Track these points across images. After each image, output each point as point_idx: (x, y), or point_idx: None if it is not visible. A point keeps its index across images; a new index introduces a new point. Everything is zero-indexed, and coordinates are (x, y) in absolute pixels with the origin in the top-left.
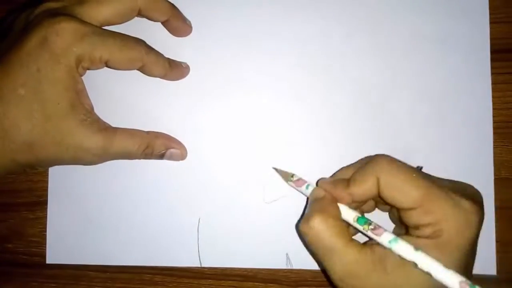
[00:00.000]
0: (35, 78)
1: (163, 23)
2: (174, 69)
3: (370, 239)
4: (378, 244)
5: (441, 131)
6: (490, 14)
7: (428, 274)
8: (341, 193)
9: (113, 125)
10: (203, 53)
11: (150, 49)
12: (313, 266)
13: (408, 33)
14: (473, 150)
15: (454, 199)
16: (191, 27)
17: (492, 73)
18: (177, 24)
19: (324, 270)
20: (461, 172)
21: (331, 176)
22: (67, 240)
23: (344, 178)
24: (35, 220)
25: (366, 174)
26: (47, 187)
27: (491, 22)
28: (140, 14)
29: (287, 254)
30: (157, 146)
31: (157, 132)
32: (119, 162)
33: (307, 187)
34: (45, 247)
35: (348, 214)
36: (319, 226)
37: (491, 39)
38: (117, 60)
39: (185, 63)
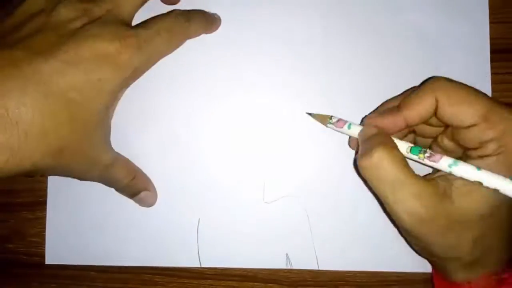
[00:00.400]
0: (94, 87)
1: None
2: (213, 24)
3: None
4: (439, 176)
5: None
6: (490, 14)
7: (495, 190)
8: (393, 120)
9: (113, 124)
10: (202, 53)
11: (189, 19)
12: (313, 266)
13: (408, 33)
14: None
15: None
16: None
17: (491, 73)
18: None
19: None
20: None
21: (375, 110)
22: (66, 240)
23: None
24: (35, 220)
25: (423, 94)
26: (46, 187)
27: (491, 22)
28: None
29: (287, 254)
30: (139, 183)
31: (142, 171)
32: None
33: (349, 127)
34: (45, 247)
35: (401, 146)
36: (382, 158)
37: (490, 39)
38: (168, 53)
39: (217, 15)
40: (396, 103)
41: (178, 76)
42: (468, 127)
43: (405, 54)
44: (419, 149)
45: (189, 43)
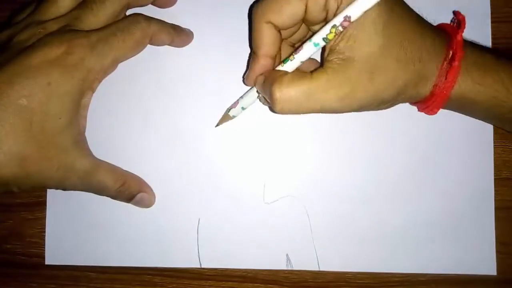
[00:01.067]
0: (44, 91)
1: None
2: (180, 34)
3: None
4: (327, 61)
5: (441, 131)
6: (492, 13)
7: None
8: (261, 66)
9: (114, 126)
10: (203, 53)
11: (149, 20)
12: (314, 267)
13: None
14: (474, 150)
15: None
16: None
17: None
18: None
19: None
20: (461, 172)
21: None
22: (66, 240)
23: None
24: (34, 220)
25: (257, 28)
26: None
27: (492, 22)
28: (129, 7)
29: (287, 255)
30: (131, 186)
31: (132, 173)
32: (119, 162)
33: (242, 109)
34: (44, 247)
35: (281, 67)
36: (281, 91)
37: (492, 38)
38: (127, 53)
39: (188, 29)
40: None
41: (178, 77)
42: (305, 11)
43: None
44: (286, 59)
45: (196, 40)
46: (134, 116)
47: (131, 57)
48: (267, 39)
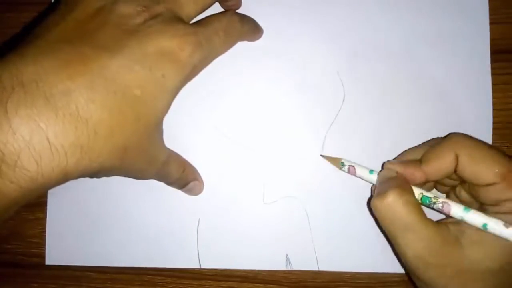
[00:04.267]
0: (157, 83)
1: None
2: (259, 31)
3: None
4: (451, 222)
5: (441, 132)
6: (490, 14)
7: (507, 244)
8: (414, 172)
9: None
10: None
11: (242, 21)
12: (313, 267)
13: (408, 33)
14: None
15: None
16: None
17: (492, 74)
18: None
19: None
20: None
21: (396, 158)
22: (66, 241)
23: (413, 159)
24: (35, 221)
25: (443, 151)
26: None
27: (491, 23)
28: None
29: (287, 255)
30: (188, 174)
31: (188, 161)
32: None
33: (371, 172)
34: (45, 248)
35: (414, 192)
36: (395, 201)
37: (491, 39)
38: (223, 53)
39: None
40: (417, 155)
41: None
42: (487, 185)
43: (405, 54)
44: (429, 198)
45: None
46: None
47: None
48: (443, 165)
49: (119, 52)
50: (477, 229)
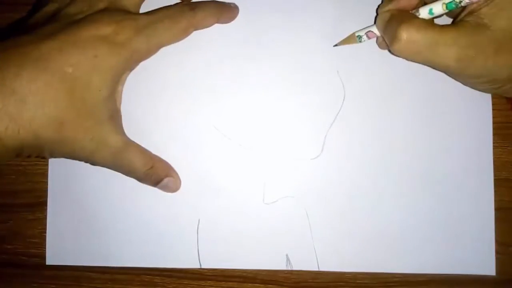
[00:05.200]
0: (89, 62)
1: None
2: (224, 12)
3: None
4: (464, 16)
5: (441, 132)
6: None
7: None
8: (408, 1)
9: None
10: (204, 51)
11: (194, 9)
12: (313, 267)
13: None
14: (473, 150)
15: None
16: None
17: None
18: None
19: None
20: (461, 173)
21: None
22: (66, 241)
23: None
24: (35, 221)
25: None
26: (46, 187)
27: None
28: None
29: (287, 255)
30: (159, 170)
31: (160, 157)
32: None
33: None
34: (45, 248)
35: (424, 11)
36: (409, 34)
37: None
38: (171, 40)
39: (233, 3)
40: None
41: (178, 75)
42: None
43: None
44: (453, 2)
45: (188, 43)
46: (133, 116)
47: (175, 42)
48: None
49: (54, 37)
50: (489, 3)
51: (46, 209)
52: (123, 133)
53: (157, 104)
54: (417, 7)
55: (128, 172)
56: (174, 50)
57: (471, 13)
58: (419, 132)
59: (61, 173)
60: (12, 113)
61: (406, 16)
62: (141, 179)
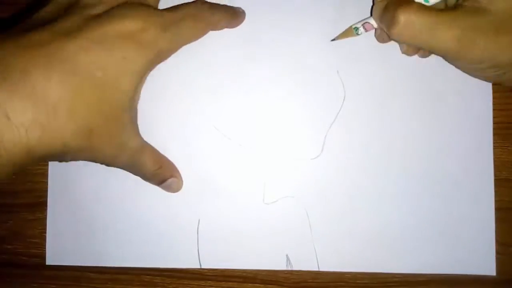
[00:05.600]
0: (118, 65)
1: None
2: (235, 18)
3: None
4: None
5: (441, 132)
6: None
7: None
8: None
9: None
10: (204, 51)
11: (213, 9)
12: (314, 267)
13: None
14: (474, 150)
15: None
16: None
17: None
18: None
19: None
20: (461, 173)
21: None
22: (67, 241)
23: None
24: (35, 221)
25: None
26: (47, 188)
27: None
28: None
29: (287, 255)
30: (166, 171)
31: (167, 157)
32: None
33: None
34: (45, 248)
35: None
36: (407, 16)
37: None
38: (192, 39)
39: (241, 9)
40: None
41: (178, 75)
42: None
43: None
44: None
45: (199, 41)
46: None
47: (193, 42)
48: None
49: (78, 35)
50: None
51: (46, 209)
52: (139, 134)
53: (157, 104)
54: None
55: (138, 171)
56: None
57: None
58: (419, 132)
59: (61, 173)
60: (44, 123)
61: (403, 1)
62: (148, 178)
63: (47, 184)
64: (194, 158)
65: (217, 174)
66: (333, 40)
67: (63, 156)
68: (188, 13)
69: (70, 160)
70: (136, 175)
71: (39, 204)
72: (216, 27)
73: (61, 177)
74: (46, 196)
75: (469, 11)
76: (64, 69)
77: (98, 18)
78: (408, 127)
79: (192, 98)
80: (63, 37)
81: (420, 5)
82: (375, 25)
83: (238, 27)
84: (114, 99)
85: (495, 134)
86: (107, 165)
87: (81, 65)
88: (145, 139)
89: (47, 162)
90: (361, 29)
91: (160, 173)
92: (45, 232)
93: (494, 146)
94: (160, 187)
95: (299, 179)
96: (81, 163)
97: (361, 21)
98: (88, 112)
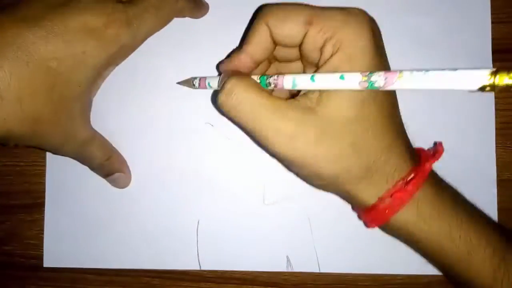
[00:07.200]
0: (75, 58)
1: None
2: (200, 8)
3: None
4: (301, 95)
5: (443, 133)
6: (492, 14)
7: (355, 90)
8: (239, 57)
9: (112, 123)
10: (204, 51)
11: None
12: (314, 269)
13: (408, 33)
14: (476, 151)
15: (342, 9)
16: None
17: None
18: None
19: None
20: (463, 173)
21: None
22: (64, 242)
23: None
24: (33, 222)
25: (255, 25)
26: (44, 189)
27: (492, 22)
28: None
29: (287, 257)
30: (114, 163)
31: (117, 151)
32: None
33: (209, 85)
34: (42, 249)
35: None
36: (235, 87)
37: (492, 39)
38: (156, 30)
39: (205, 2)
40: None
41: (177, 75)
42: (304, 40)
43: (406, 54)
44: (265, 78)
45: (187, 42)
46: (133, 116)
47: (158, 31)
48: (259, 38)
49: (39, 23)
50: (320, 91)
51: (43, 211)
52: (90, 125)
53: (156, 103)
54: (251, 69)
55: (85, 161)
56: (173, 49)
57: (305, 94)
58: (420, 132)
59: (59, 174)
60: None
61: (242, 75)
62: (94, 168)
63: (45, 185)
64: (194, 158)
65: (217, 174)
66: (178, 83)
67: (5, 140)
68: (151, 4)
69: (13, 145)
70: (84, 164)
71: (36, 205)
72: (181, 15)
73: (59, 178)
74: (43, 197)
75: (297, 106)
76: (17, 57)
77: (61, 8)
78: (409, 127)
79: (191, 98)
80: (23, 23)
81: (257, 83)
82: (214, 86)
83: (237, 26)
84: (65, 90)
85: (497, 134)
86: (54, 153)
87: (36, 55)
88: (143, 138)
89: (45, 163)
90: (197, 83)
91: (107, 165)
92: (43, 234)
93: (496, 146)
94: (106, 180)
95: (299, 180)
96: (78, 164)
97: (202, 78)
98: (36, 100)
